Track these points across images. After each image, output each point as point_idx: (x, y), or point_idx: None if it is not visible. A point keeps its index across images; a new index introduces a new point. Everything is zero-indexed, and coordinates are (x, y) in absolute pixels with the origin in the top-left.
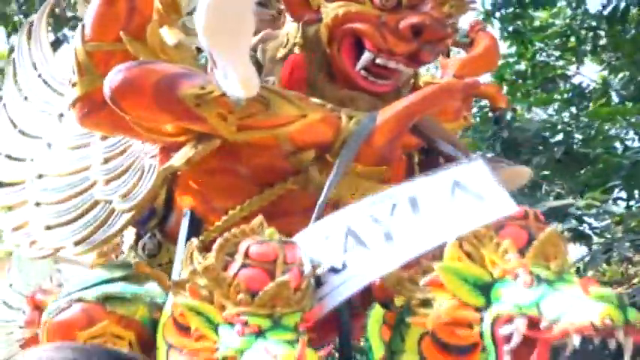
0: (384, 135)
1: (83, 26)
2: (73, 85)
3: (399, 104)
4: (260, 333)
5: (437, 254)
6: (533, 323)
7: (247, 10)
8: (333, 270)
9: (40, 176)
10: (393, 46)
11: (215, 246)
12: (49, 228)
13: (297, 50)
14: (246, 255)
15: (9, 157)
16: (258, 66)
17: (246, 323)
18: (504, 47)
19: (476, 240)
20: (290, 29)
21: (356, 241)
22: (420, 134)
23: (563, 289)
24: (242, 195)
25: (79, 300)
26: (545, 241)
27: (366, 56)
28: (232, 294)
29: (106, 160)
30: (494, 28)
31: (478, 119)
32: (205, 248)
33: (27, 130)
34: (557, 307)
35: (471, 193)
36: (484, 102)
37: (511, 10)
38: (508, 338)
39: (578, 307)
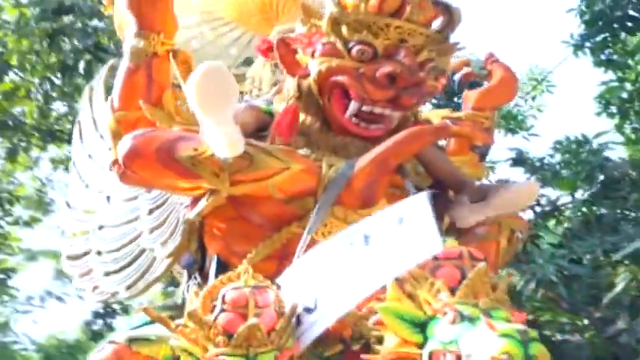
0: (362, 180)
1: (112, 98)
2: (109, 149)
3: (376, 150)
4: None
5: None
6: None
7: (227, 82)
8: (307, 309)
9: (101, 227)
10: (372, 95)
11: (203, 292)
12: (107, 274)
13: (291, 102)
14: (223, 301)
15: (80, 210)
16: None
17: None
18: (600, 74)
19: (414, 280)
20: (289, 83)
21: (323, 280)
22: (427, 169)
23: (479, 325)
24: (257, 240)
25: (111, 342)
26: (474, 279)
27: (353, 105)
28: (213, 336)
29: (150, 211)
30: (586, 57)
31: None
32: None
33: (91, 185)
34: (471, 344)
35: (408, 231)
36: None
37: (600, 38)
38: None
39: (484, 344)
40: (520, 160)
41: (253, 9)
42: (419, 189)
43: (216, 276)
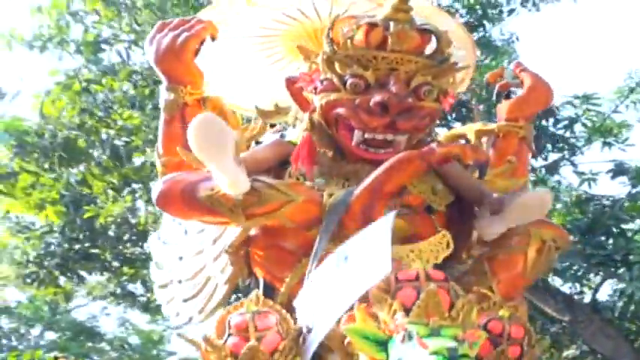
0: (358, 205)
1: (157, 146)
2: None
3: (370, 177)
4: None
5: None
6: None
7: (220, 130)
8: (308, 329)
9: (180, 258)
10: (369, 123)
11: (218, 318)
12: (185, 301)
13: (305, 133)
14: (229, 326)
15: (165, 243)
16: None
17: None
18: None
19: (377, 302)
20: (305, 117)
21: (318, 300)
22: (449, 185)
23: (415, 344)
24: (291, 265)
25: None
26: (426, 299)
27: (356, 134)
28: (223, 358)
29: (214, 241)
30: None
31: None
32: (278, 311)
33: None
34: None
35: (369, 252)
36: None
37: None
38: None
39: None
40: (620, 170)
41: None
42: (430, 209)
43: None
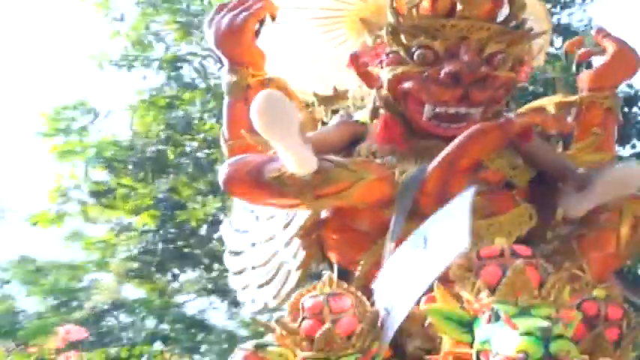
0: (434, 181)
1: (222, 130)
2: None
3: (443, 152)
4: None
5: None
6: None
7: (284, 108)
8: (387, 311)
9: (253, 244)
10: (441, 96)
11: (292, 300)
12: (260, 287)
13: (381, 112)
14: (303, 309)
15: (237, 230)
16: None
17: None
18: None
19: (459, 281)
20: (372, 95)
21: (397, 282)
22: (530, 160)
23: (504, 324)
24: (365, 247)
25: (241, 349)
26: (512, 277)
27: (427, 108)
28: (299, 341)
29: (285, 227)
30: None
31: None
32: (352, 293)
33: (245, 205)
34: (497, 343)
35: (449, 229)
36: None
37: None
38: None
39: (504, 342)
40: None
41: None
42: (510, 185)
43: None
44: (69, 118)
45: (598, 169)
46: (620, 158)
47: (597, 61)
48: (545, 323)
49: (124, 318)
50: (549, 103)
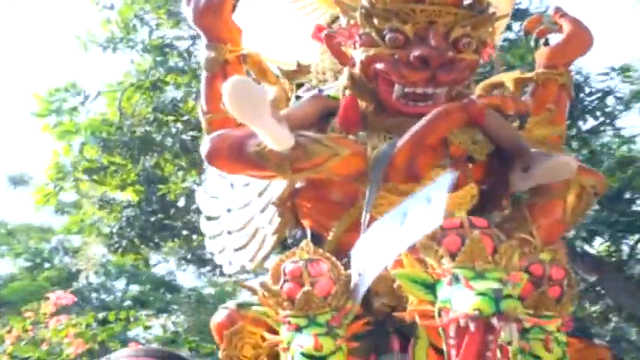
0: (401, 157)
1: (201, 104)
2: None
3: (411, 129)
4: (299, 329)
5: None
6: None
7: (254, 90)
8: (360, 275)
9: (229, 210)
10: (410, 77)
11: (273, 265)
12: (236, 250)
13: (347, 92)
14: (284, 273)
15: (212, 197)
16: None
17: (289, 322)
18: None
19: (424, 248)
20: (344, 73)
21: (372, 251)
22: (489, 136)
23: (467, 285)
24: (337, 215)
25: (224, 307)
26: (471, 245)
27: (397, 88)
28: (281, 302)
29: (260, 194)
30: None
31: None
32: (328, 258)
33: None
34: (456, 302)
35: (423, 206)
36: None
37: None
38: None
39: (462, 301)
40: None
41: None
42: (471, 158)
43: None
44: (60, 99)
45: (541, 155)
46: (576, 135)
47: (555, 39)
48: (497, 285)
49: (95, 279)
50: (507, 79)
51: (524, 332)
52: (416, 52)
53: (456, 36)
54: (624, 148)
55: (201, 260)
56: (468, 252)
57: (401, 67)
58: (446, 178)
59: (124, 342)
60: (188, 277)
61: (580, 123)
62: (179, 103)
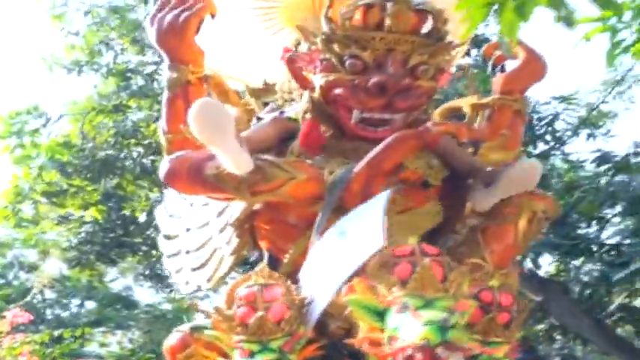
0: (358, 182)
1: (161, 123)
2: None
3: (368, 155)
4: (251, 355)
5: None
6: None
7: (220, 113)
8: (311, 300)
9: (188, 229)
10: (367, 103)
11: (227, 289)
12: (194, 270)
13: (307, 116)
14: (239, 297)
15: (172, 216)
16: None
17: (242, 348)
18: None
19: (376, 276)
20: (305, 96)
21: (319, 272)
22: (446, 161)
23: (410, 315)
24: (294, 238)
25: (178, 331)
26: (421, 273)
27: (355, 113)
28: (234, 327)
29: (219, 214)
30: None
31: None
32: (283, 283)
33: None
34: (404, 331)
35: (365, 227)
36: None
37: None
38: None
39: (410, 330)
40: (604, 159)
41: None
42: (425, 183)
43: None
44: (22, 121)
45: (502, 167)
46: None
47: (511, 65)
48: (444, 315)
49: (49, 294)
50: (465, 103)
51: (472, 358)
52: (374, 79)
53: (413, 63)
54: (572, 173)
55: (159, 276)
56: (418, 280)
57: (359, 92)
58: (383, 196)
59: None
60: (145, 293)
61: (530, 148)
62: (141, 128)
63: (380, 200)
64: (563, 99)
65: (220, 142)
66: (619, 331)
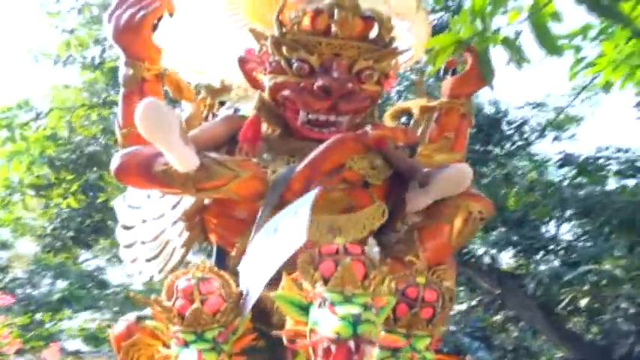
0: (299, 181)
1: (117, 118)
2: None
3: (310, 155)
4: (186, 344)
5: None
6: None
7: (164, 114)
8: (246, 291)
9: (144, 221)
10: (312, 106)
11: (166, 282)
12: (148, 260)
13: (254, 112)
14: (177, 290)
15: (130, 206)
16: None
17: (178, 338)
18: None
19: (302, 272)
20: (256, 95)
21: (253, 266)
22: (389, 162)
23: (326, 310)
24: (241, 231)
25: (124, 320)
26: (342, 271)
27: (301, 115)
28: (172, 318)
29: (173, 207)
30: None
31: None
32: (232, 272)
33: None
34: (321, 325)
35: (293, 224)
36: None
37: None
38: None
39: (326, 325)
40: (567, 161)
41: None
42: (366, 183)
43: (217, 262)
44: (13, 115)
45: (436, 169)
46: (496, 157)
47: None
48: (358, 310)
49: (21, 274)
50: (414, 105)
51: (395, 351)
52: (319, 82)
53: (358, 68)
54: (535, 173)
55: None
56: (339, 277)
57: (305, 95)
58: (310, 195)
59: (47, 339)
60: (116, 274)
61: (497, 150)
62: None
63: (307, 199)
64: (535, 105)
65: (164, 141)
66: (569, 325)
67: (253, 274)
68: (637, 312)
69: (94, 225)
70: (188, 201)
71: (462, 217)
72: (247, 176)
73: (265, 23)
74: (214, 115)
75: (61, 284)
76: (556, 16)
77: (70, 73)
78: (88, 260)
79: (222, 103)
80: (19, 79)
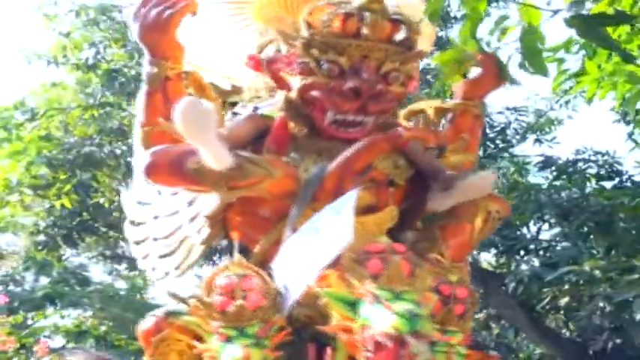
0: (331, 180)
1: (139, 116)
2: None
3: (342, 155)
4: (229, 340)
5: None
6: None
7: (203, 111)
8: (285, 289)
9: (156, 217)
10: (342, 106)
11: (205, 279)
12: (161, 257)
13: (281, 113)
14: (217, 286)
15: (139, 202)
16: None
17: (220, 333)
18: None
19: (349, 269)
20: (280, 96)
21: (292, 264)
22: (411, 162)
23: (382, 306)
24: (265, 230)
25: (152, 315)
26: (390, 269)
27: (329, 115)
28: (212, 314)
29: (189, 204)
30: None
31: None
32: (259, 273)
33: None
34: (376, 321)
35: (336, 223)
36: None
37: None
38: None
39: (381, 321)
40: (547, 163)
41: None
42: (392, 182)
43: None
44: (9, 116)
45: (460, 174)
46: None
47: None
48: (412, 306)
49: (2, 270)
50: (429, 107)
51: (431, 345)
52: (349, 84)
53: (386, 70)
54: (517, 175)
55: (117, 256)
56: (388, 275)
57: (334, 96)
58: (352, 195)
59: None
60: (99, 271)
61: (480, 152)
62: (124, 127)
63: (349, 199)
64: (515, 110)
65: (203, 139)
66: (548, 322)
67: (293, 272)
68: (612, 310)
69: (82, 224)
70: (206, 198)
71: (481, 217)
72: (280, 175)
73: (271, 23)
74: (234, 114)
75: (44, 281)
76: (541, 39)
77: (64, 74)
78: (72, 257)
79: (231, 104)
80: (15, 80)
